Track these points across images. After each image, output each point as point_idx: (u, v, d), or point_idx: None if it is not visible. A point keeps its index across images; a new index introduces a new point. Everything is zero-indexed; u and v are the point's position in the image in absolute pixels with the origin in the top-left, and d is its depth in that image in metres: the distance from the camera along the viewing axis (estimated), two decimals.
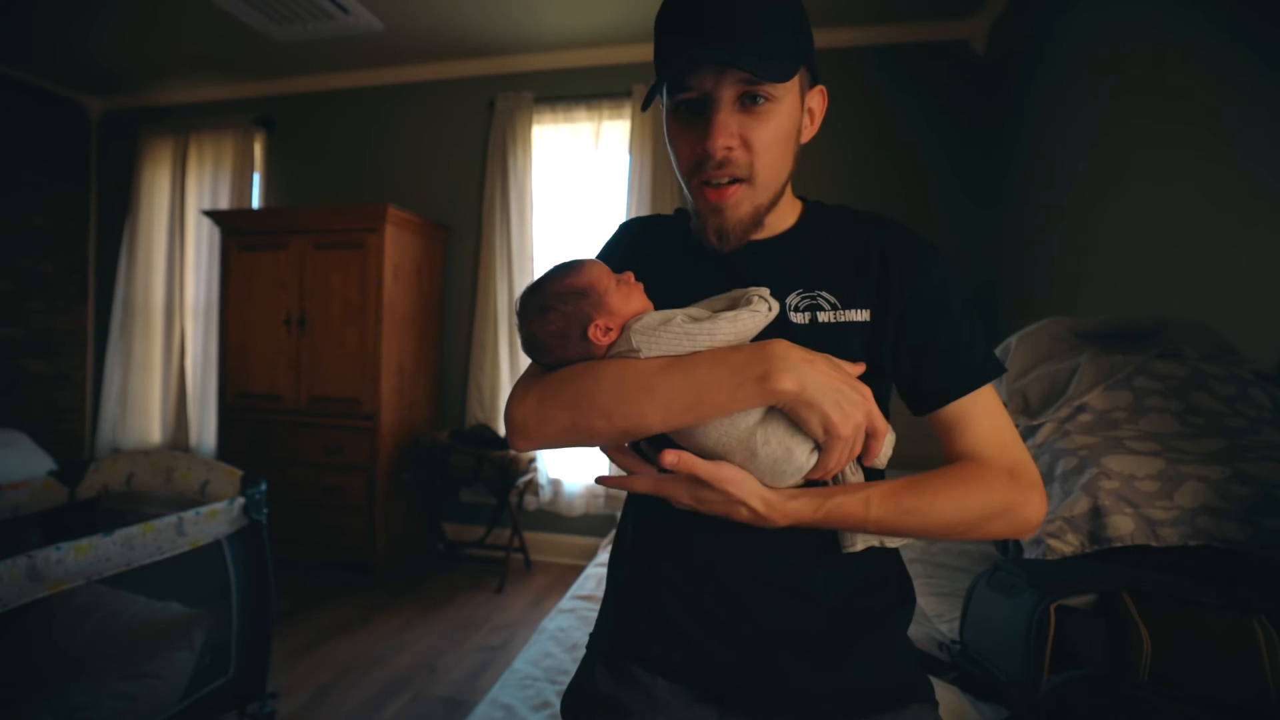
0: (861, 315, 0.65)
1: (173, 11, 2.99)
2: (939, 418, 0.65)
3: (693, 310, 0.64)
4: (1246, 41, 1.42)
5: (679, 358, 0.60)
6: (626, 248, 0.78)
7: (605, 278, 0.64)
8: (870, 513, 0.59)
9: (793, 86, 0.62)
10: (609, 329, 0.63)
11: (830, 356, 0.60)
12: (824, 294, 0.65)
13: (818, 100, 0.67)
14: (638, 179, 3.18)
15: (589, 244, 3.33)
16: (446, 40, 3.23)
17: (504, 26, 3.08)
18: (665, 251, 0.74)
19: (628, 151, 3.23)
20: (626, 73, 3.24)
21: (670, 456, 0.58)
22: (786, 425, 0.58)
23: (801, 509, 0.59)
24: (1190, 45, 1.59)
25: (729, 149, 0.61)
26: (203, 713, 1.53)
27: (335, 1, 2.84)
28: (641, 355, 0.61)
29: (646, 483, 0.63)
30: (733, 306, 0.61)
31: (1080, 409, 1.18)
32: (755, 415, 0.59)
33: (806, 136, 0.67)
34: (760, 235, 0.68)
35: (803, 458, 0.58)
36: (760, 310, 0.60)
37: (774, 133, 0.62)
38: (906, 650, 0.68)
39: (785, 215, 0.70)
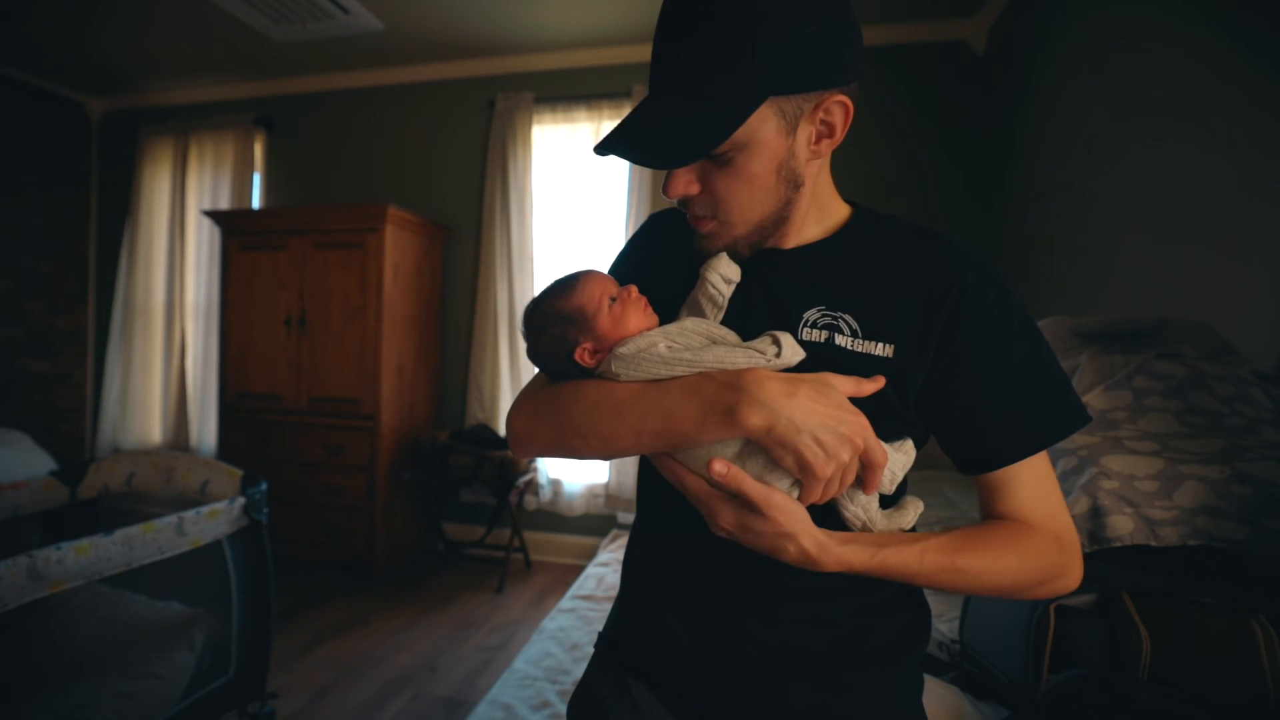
0: (884, 349, 0.58)
1: (173, 11, 2.99)
2: (983, 478, 0.60)
3: (688, 323, 0.61)
4: (1245, 40, 1.42)
5: (656, 383, 0.58)
6: (645, 247, 0.75)
7: (597, 299, 0.62)
8: (923, 567, 0.55)
9: (764, 122, 0.54)
10: (596, 351, 0.63)
11: (824, 378, 0.54)
12: (846, 317, 0.59)
13: (837, 114, 0.56)
14: (637, 179, 3.18)
15: (589, 244, 3.33)
16: (446, 40, 3.23)
17: (504, 26, 3.08)
18: (684, 251, 0.68)
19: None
20: (626, 73, 3.24)
21: (719, 465, 0.53)
22: (766, 459, 0.54)
23: (854, 556, 0.54)
24: (1189, 44, 1.59)
25: (687, 195, 0.59)
26: (203, 713, 1.53)
27: (335, 1, 2.84)
28: (620, 379, 0.60)
29: (700, 485, 0.57)
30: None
31: None
32: (734, 447, 0.55)
33: (826, 149, 0.58)
34: (788, 244, 0.63)
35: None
36: (765, 353, 0.56)
37: (737, 179, 0.56)
38: (913, 688, 0.66)
39: (820, 223, 0.64)
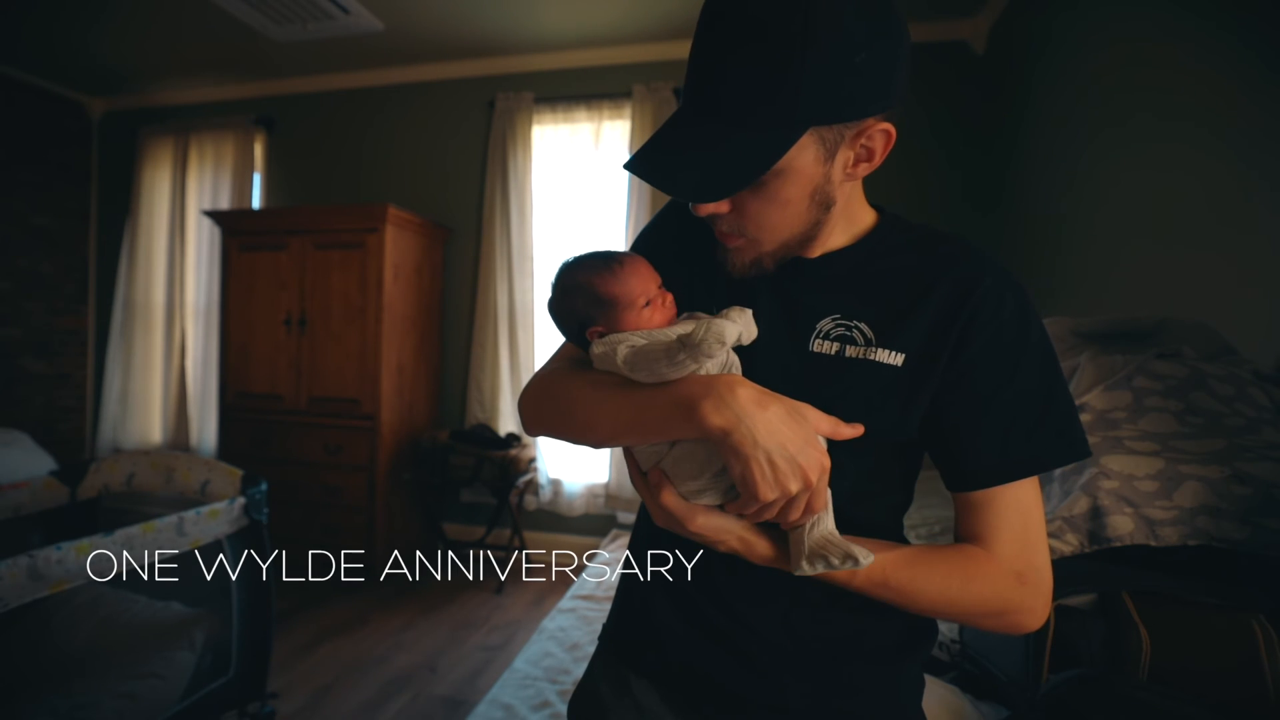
0: (893, 358, 0.56)
1: (173, 11, 2.99)
2: (961, 497, 0.58)
3: (651, 332, 0.60)
4: (1246, 40, 1.42)
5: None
6: (676, 235, 0.71)
7: (635, 295, 0.61)
8: (854, 579, 0.56)
9: (803, 150, 0.51)
10: (604, 335, 0.63)
11: (800, 407, 0.53)
12: (861, 325, 0.58)
13: (879, 141, 0.54)
14: (638, 179, 3.17)
15: (589, 245, 3.33)
16: (446, 40, 3.23)
17: (504, 26, 3.08)
18: (709, 245, 0.66)
19: (628, 152, 3.23)
20: (626, 73, 3.24)
21: (654, 476, 0.59)
22: (685, 468, 0.57)
23: (782, 558, 0.57)
24: (1189, 44, 1.59)
25: (715, 214, 0.57)
26: (203, 712, 1.53)
27: (335, 1, 2.84)
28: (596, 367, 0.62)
29: (641, 486, 0.62)
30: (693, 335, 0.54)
31: (1080, 409, 1.18)
32: (664, 449, 0.59)
33: (862, 173, 0.57)
34: (812, 252, 0.62)
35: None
36: (698, 364, 0.54)
37: (770, 203, 0.55)
38: (913, 689, 0.66)
39: (846, 230, 0.63)
